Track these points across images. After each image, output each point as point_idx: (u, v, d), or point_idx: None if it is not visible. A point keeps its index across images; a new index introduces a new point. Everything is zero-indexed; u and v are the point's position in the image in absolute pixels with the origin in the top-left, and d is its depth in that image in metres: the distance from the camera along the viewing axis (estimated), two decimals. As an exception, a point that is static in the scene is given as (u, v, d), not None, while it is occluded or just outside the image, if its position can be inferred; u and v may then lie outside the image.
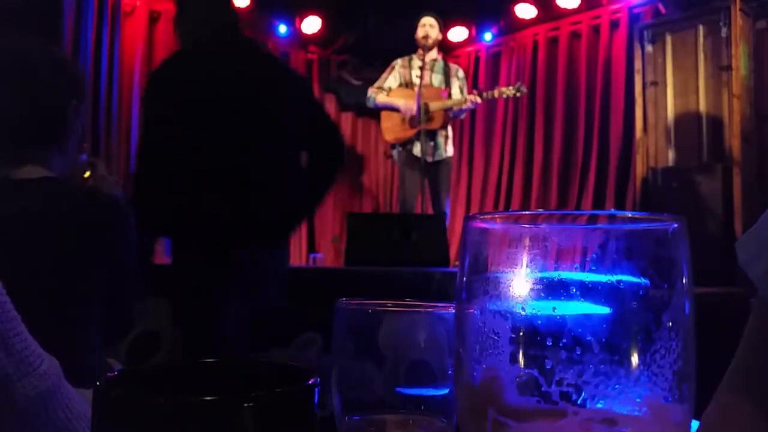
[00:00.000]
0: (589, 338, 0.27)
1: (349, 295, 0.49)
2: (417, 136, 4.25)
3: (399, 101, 4.37)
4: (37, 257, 1.24)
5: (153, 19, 4.98)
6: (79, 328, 1.29)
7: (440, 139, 4.37)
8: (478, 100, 4.37)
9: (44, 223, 1.28)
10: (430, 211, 4.38)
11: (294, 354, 2.36)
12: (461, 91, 4.48)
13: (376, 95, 4.48)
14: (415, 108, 4.25)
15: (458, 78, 4.53)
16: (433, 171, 4.33)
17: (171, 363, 0.37)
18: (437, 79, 4.45)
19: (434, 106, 4.30)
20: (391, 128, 4.41)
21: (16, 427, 0.59)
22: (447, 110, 4.35)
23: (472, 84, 5.86)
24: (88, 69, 4.46)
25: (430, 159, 4.29)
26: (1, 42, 1.35)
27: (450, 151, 4.46)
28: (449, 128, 4.47)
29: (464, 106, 4.37)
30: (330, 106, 6.16)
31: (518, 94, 4.48)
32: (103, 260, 1.33)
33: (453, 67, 4.59)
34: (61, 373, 0.64)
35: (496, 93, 4.46)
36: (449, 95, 4.41)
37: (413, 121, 4.25)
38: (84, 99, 1.44)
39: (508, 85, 4.73)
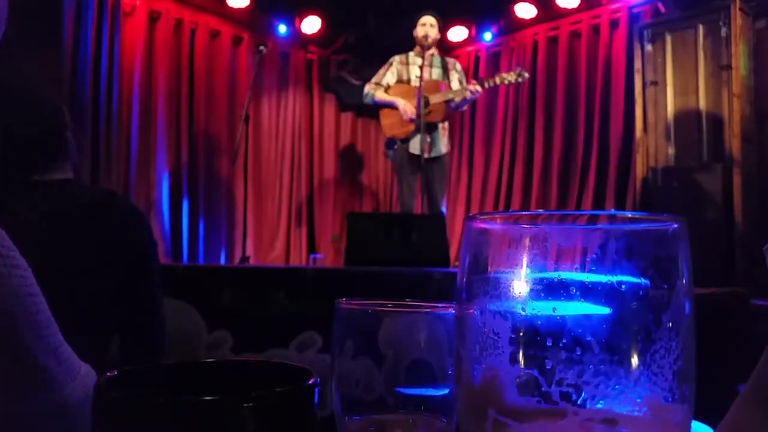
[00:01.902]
0: (589, 338, 0.27)
1: (349, 295, 0.49)
2: (416, 133, 4.23)
3: (398, 99, 4.34)
4: (55, 256, 1.25)
5: (153, 19, 4.99)
6: (90, 331, 1.27)
7: (437, 135, 4.34)
8: (479, 89, 4.30)
9: (63, 223, 1.29)
10: (427, 209, 4.36)
11: (293, 354, 2.36)
12: (461, 84, 4.45)
13: (375, 91, 4.44)
14: (412, 107, 4.23)
15: (456, 71, 4.50)
16: (429, 168, 4.28)
17: (171, 363, 0.37)
18: (436, 73, 4.43)
19: (434, 98, 4.27)
20: (391, 125, 4.39)
21: (61, 428, 0.62)
22: (448, 102, 4.32)
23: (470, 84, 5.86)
24: (88, 69, 4.47)
25: (426, 155, 4.26)
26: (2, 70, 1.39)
27: (446, 147, 4.44)
28: (446, 124, 4.44)
29: (467, 97, 4.32)
30: (330, 106, 6.18)
31: (520, 80, 4.37)
32: (118, 263, 1.32)
33: (450, 60, 4.57)
34: (95, 376, 0.67)
35: (497, 80, 4.37)
36: (448, 88, 4.39)
37: (414, 116, 4.23)
38: (73, 114, 1.49)
39: (508, 71, 4.67)
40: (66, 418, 0.62)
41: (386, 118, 4.43)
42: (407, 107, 4.26)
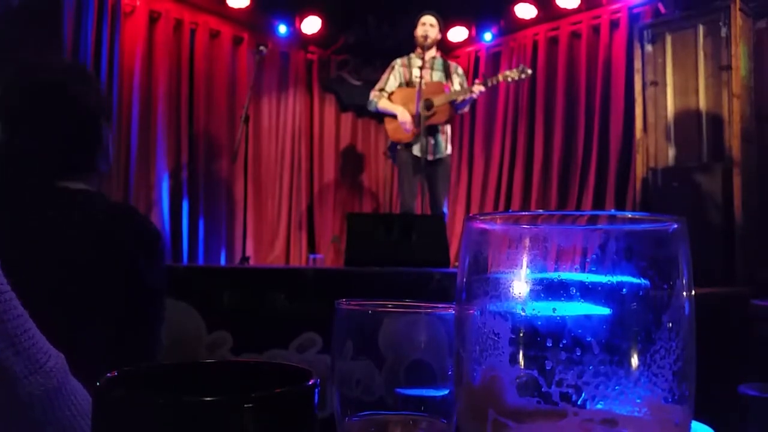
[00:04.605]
0: (589, 339, 0.27)
1: (349, 295, 0.49)
2: (418, 135, 4.24)
3: (397, 108, 4.34)
4: (63, 264, 1.23)
5: (153, 19, 4.98)
6: (83, 340, 1.26)
7: (440, 137, 4.37)
8: (482, 88, 4.33)
9: (78, 233, 1.27)
10: (428, 210, 4.37)
11: (293, 355, 2.36)
12: (461, 87, 4.48)
13: (378, 100, 4.47)
14: (411, 117, 4.24)
15: (458, 74, 4.53)
16: (432, 170, 4.33)
17: (171, 363, 0.37)
18: (437, 76, 4.44)
19: (438, 100, 4.29)
20: (396, 129, 4.40)
21: (21, 425, 0.59)
22: (451, 103, 4.34)
23: (472, 84, 5.87)
24: (88, 69, 4.47)
25: (430, 157, 4.29)
26: (35, 63, 1.36)
27: (449, 149, 4.46)
28: (448, 127, 4.46)
29: (468, 96, 4.33)
30: (330, 106, 6.18)
31: (523, 76, 4.40)
32: (127, 279, 1.30)
33: (452, 64, 4.60)
34: (67, 369, 0.64)
35: (500, 77, 4.41)
36: (452, 90, 4.40)
37: (416, 119, 4.24)
38: (109, 114, 1.45)
39: (510, 68, 4.68)
40: (19, 415, 0.57)
41: (390, 123, 4.46)
42: (406, 118, 4.27)
